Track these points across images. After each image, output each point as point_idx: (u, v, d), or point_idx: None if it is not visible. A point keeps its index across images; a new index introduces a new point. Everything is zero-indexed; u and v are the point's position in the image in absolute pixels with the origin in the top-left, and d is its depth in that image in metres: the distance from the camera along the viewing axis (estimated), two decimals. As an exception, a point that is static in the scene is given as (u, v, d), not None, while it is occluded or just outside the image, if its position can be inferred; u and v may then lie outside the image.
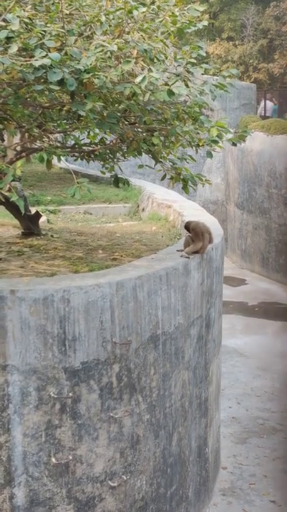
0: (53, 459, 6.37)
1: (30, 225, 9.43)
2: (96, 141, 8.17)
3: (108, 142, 8.16)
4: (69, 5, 6.81)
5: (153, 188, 14.88)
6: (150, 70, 6.25)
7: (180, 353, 7.78)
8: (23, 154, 8.02)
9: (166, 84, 6.74)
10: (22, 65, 5.93)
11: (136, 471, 7.14)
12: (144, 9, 6.77)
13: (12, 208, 9.00)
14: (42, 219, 10.36)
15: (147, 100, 6.63)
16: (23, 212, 8.60)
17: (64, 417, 6.39)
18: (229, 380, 14.08)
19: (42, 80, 6.16)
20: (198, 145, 7.74)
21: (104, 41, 6.36)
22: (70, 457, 6.48)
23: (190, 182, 8.00)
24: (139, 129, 7.61)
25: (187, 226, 8.29)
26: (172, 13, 6.98)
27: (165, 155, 8.01)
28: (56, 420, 6.35)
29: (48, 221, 11.34)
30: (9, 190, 6.69)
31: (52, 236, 9.63)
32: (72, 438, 6.47)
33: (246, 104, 28.70)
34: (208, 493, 9.33)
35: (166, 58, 7.10)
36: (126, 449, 6.98)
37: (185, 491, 8.26)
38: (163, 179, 8.38)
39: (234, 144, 7.82)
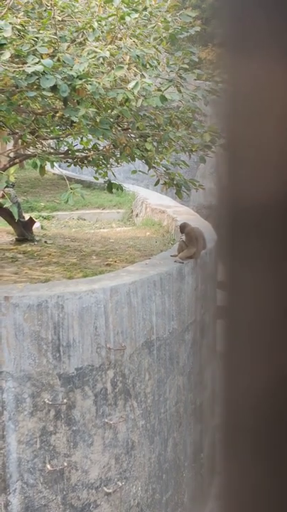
0: (48, 466, 6.35)
1: (23, 231, 9.42)
2: (90, 147, 8.19)
3: (101, 148, 8.18)
4: (62, 11, 6.83)
5: (146, 193, 14.88)
6: (142, 76, 6.26)
7: (175, 359, 7.78)
8: (17, 160, 8.02)
9: (159, 89, 6.76)
10: (15, 71, 5.94)
11: (131, 477, 7.12)
12: (136, 15, 6.79)
13: (6, 214, 8.99)
14: (36, 225, 10.35)
15: (140, 106, 6.65)
16: (16, 218, 8.59)
17: (59, 423, 6.38)
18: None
19: (35, 87, 6.17)
20: (191, 150, 7.76)
21: (96, 47, 6.38)
22: (65, 464, 6.46)
23: (183, 187, 8.02)
24: (132, 135, 7.63)
25: (182, 228, 8.29)
26: (165, 19, 7.01)
27: (159, 160, 8.02)
28: (51, 427, 6.34)
29: (42, 227, 11.33)
30: (3, 197, 6.69)
31: (45, 242, 9.62)
32: (67, 444, 6.46)
33: (239, 109, 28.73)
34: (204, 499, 9.31)
35: (159, 64, 7.12)
36: (121, 455, 6.97)
37: (181, 497, 8.25)
38: (156, 184, 8.39)
39: (227, 149, 7.83)
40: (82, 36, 6.79)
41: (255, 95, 0.71)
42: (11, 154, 7.98)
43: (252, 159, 0.73)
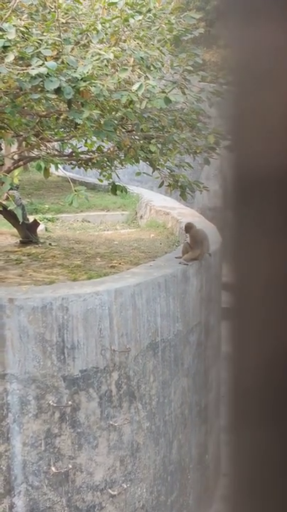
0: (53, 468, 6.34)
1: (28, 233, 9.43)
2: (94, 149, 8.19)
3: (105, 150, 8.18)
4: (66, 14, 6.83)
5: (150, 195, 14.87)
6: (146, 78, 6.26)
7: (180, 360, 7.76)
8: (21, 163, 8.03)
9: (163, 91, 6.75)
10: (19, 73, 5.94)
11: (136, 479, 7.11)
12: (140, 17, 6.79)
13: (10, 216, 8.99)
14: (41, 227, 10.36)
15: (144, 108, 6.64)
16: (21, 220, 8.60)
17: (63, 425, 6.37)
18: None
19: (39, 89, 6.18)
20: (195, 152, 7.76)
21: (100, 49, 6.38)
22: (70, 466, 6.46)
23: (187, 189, 8.01)
24: (136, 137, 7.62)
25: (188, 228, 8.28)
26: (169, 20, 7.00)
27: (163, 162, 8.02)
28: (55, 429, 6.33)
29: (46, 229, 11.34)
30: (7, 199, 6.70)
31: (50, 244, 9.62)
32: (71, 446, 6.45)
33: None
34: (209, 501, 9.29)
35: (163, 66, 7.12)
36: (126, 457, 6.96)
37: (186, 499, 8.23)
38: (160, 186, 8.39)
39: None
40: (86, 38, 6.79)
41: (258, 62, 0.71)
42: (15, 156, 7.99)
43: (258, 128, 0.72)
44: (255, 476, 0.80)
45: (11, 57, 5.88)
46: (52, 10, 6.61)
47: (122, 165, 8.38)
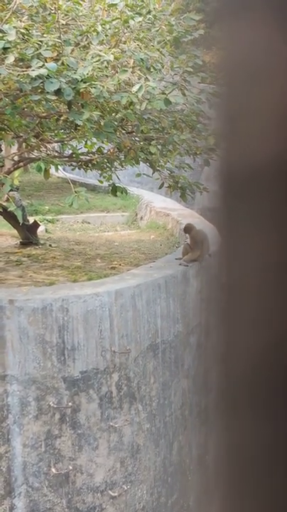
0: (53, 469, 6.34)
1: (28, 234, 9.43)
2: (94, 150, 8.19)
3: (105, 151, 8.18)
4: (66, 15, 6.83)
5: (151, 196, 14.87)
6: (146, 79, 6.27)
7: (180, 362, 7.76)
8: (21, 164, 8.03)
9: (163, 93, 6.76)
10: (19, 75, 5.94)
11: (136, 481, 7.11)
12: (140, 19, 6.80)
13: (10, 217, 9.00)
14: (41, 228, 10.36)
15: (144, 109, 6.65)
16: (21, 221, 8.60)
17: (63, 426, 6.37)
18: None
19: (39, 90, 6.18)
20: (195, 153, 7.76)
21: (100, 51, 6.39)
22: (70, 467, 6.45)
23: (187, 190, 8.01)
24: (136, 138, 7.63)
25: (188, 229, 8.28)
26: (169, 22, 7.01)
27: (163, 163, 8.02)
28: (56, 430, 6.33)
29: (46, 230, 11.34)
30: (7, 200, 6.70)
31: (50, 245, 9.62)
32: (72, 448, 6.45)
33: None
34: (209, 502, 9.27)
35: (163, 67, 7.13)
36: (127, 459, 6.96)
37: (186, 500, 8.23)
38: (160, 187, 8.39)
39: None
40: (86, 40, 6.80)
41: (252, 60, 0.71)
42: (16, 158, 8.00)
43: (252, 125, 0.72)
44: (245, 467, 0.81)
45: (11, 59, 5.89)
46: (53, 11, 6.62)
47: (122, 166, 8.38)
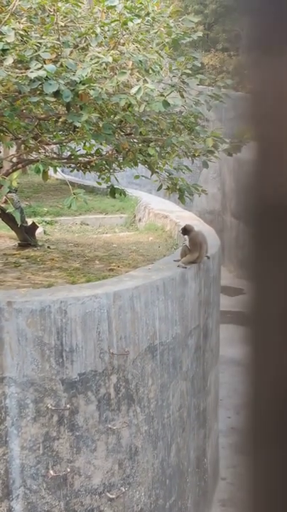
0: (51, 472, 6.33)
1: (26, 236, 9.43)
2: (92, 152, 8.19)
3: (104, 153, 8.18)
4: (65, 17, 6.84)
5: (149, 198, 14.88)
6: (145, 81, 6.27)
7: (178, 364, 7.76)
8: (19, 166, 8.03)
9: (161, 95, 6.76)
10: (17, 76, 5.95)
11: (134, 483, 7.10)
12: (139, 21, 6.80)
13: (8, 219, 8.99)
14: (39, 230, 10.36)
15: (142, 111, 6.65)
16: (19, 223, 8.60)
17: (62, 429, 6.37)
18: (227, 390, 14.01)
19: (37, 92, 6.18)
20: (194, 155, 7.76)
21: (99, 53, 6.39)
22: (68, 469, 6.45)
23: (186, 192, 8.02)
24: (135, 140, 7.63)
25: (186, 231, 8.28)
26: (167, 24, 7.01)
27: (161, 165, 8.02)
28: (54, 432, 6.32)
29: (45, 232, 11.34)
30: (5, 202, 6.70)
31: (48, 247, 9.62)
32: (70, 450, 6.44)
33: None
34: (207, 504, 9.28)
35: (161, 69, 7.13)
36: (125, 461, 6.95)
37: (184, 502, 8.22)
38: (159, 189, 8.39)
39: (230, 154, 7.84)
40: (84, 42, 6.81)
41: (283, 95, 0.70)
42: (14, 159, 7.99)
43: (282, 159, 0.72)
44: (272, 497, 0.80)
45: (9, 61, 5.89)
46: (51, 13, 6.62)
47: (121, 168, 8.38)
